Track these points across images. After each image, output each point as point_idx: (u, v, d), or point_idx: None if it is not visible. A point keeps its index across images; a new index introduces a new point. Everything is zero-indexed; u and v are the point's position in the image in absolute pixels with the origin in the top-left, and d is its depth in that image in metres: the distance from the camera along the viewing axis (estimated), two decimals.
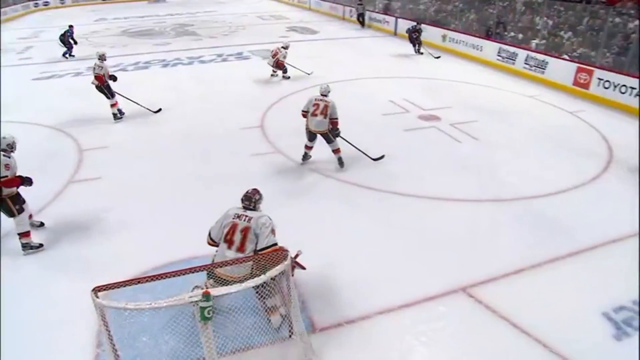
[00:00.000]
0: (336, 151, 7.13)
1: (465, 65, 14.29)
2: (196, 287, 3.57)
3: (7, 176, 4.99)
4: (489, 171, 7.16)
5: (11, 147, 5.21)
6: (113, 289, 3.02)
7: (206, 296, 2.86)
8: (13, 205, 5.12)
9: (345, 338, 4.02)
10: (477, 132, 8.65)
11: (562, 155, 7.75)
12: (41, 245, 5.34)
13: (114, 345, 3.12)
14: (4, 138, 5.15)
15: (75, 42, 15.93)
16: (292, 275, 3.78)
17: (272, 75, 12.43)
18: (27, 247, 5.26)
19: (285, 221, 4.33)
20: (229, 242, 3.78)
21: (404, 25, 18.70)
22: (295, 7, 30.79)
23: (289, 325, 3.72)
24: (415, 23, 15.95)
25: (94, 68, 9.10)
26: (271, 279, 3.28)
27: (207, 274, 3.77)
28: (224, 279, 3.62)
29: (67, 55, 15.71)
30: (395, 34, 19.36)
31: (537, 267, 4.92)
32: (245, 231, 3.77)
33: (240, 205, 3.98)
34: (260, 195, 4.05)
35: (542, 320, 4.16)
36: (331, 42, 17.83)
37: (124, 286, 3.05)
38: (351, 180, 6.84)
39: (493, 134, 8.61)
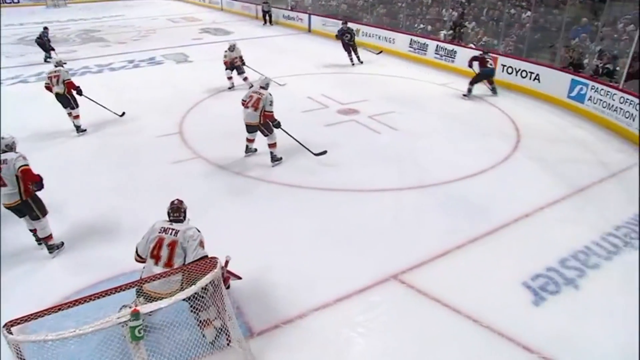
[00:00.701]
0: (271, 145, 7.16)
1: (379, 58, 14.64)
2: (124, 306, 3.39)
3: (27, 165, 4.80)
4: (409, 159, 7.43)
5: (10, 148, 4.90)
6: (30, 320, 2.79)
7: (135, 315, 2.74)
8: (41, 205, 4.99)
9: (284, 339, 4.01)
10: (395, 122, 8.94)
11: (476, 139, 8.22)
12: (62, 243, 5.25)
13: None
14: (3, 138, 4.90)
15: (52, 48, 14.98)
16: (228, 287, 3.70)
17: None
18: (54, 248, 5.14)
19: (212, 228, 4.24)
20: (156, 257, 3.64)
21: (318, 21, 18.94)
22: (207, 8, 30.12)
23: (226, 334, 3.65)
24: (342, 23, 13.82)
25: (57, 76, 8.26)
26: (203, 289, 3.19)
27: (137, 292, 3.60)
28: (154, 296, 3.47)
29: (48, 60, 14.39)
30: (309, 30, 19.51)
31: (460, 247, 5.18)
32: (172, 245, 3.64)
33: (166, 218, 3.83)
34: (185, 206, 3.92)
35: (469, 297, 4.40)
36: (246, 42, 17.54)
37: (43, 316, 2.83)
38: (276, 180, 6.82)
39: (410, 123, 8.94)
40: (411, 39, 14.42)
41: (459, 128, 8.75)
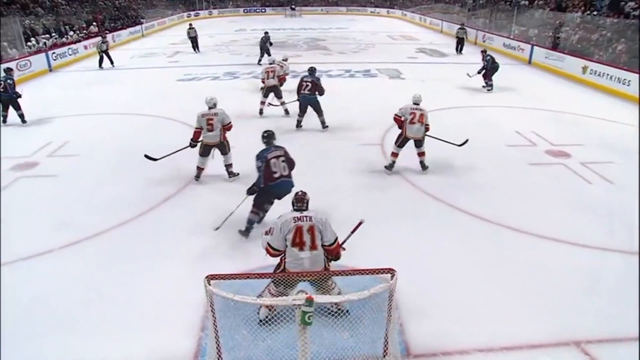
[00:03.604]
0: (422, 154, 7.67)
1: (607, 101, 13.06)
2: (301, 291, 3.68)
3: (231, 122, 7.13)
4: (621, 218, 6.45)
5: (215, 105, 7.06)
6: (224, 279, 3.24)
7: (309, 301, 2.92)
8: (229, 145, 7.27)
9: None
10: (612, 174, 7.85)
11: None
12: (238, 173, 7.39)
13: (217, 332, 3.33)
14: (211, 99, 7.09)
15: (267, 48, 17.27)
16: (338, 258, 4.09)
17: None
18: (233, 175, 7.41)
19: (383, 240, 4.29)
20: (300, 244, 3.95)
21: (541, 53, 17.73)
22: (426, 29, 30.63)
23: (385, 345, 3.68)
24: None
25: (273, 71, 10.33)
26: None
27: (274, 282, 3.94)
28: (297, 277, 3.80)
29: (260, 62, 16.73)
30: (529, 62, 18.33)
31: None
32: (311, 230, 3.97)
33: (290, 210, 4.15)
34: (308, 197, 4.27)
35: None
36: (459, 66, 17.38)
37: (234, 279, 3.26)
38: (460, 207, 6.61)
39: (632, 178, 7.71)
40: None
41: None
